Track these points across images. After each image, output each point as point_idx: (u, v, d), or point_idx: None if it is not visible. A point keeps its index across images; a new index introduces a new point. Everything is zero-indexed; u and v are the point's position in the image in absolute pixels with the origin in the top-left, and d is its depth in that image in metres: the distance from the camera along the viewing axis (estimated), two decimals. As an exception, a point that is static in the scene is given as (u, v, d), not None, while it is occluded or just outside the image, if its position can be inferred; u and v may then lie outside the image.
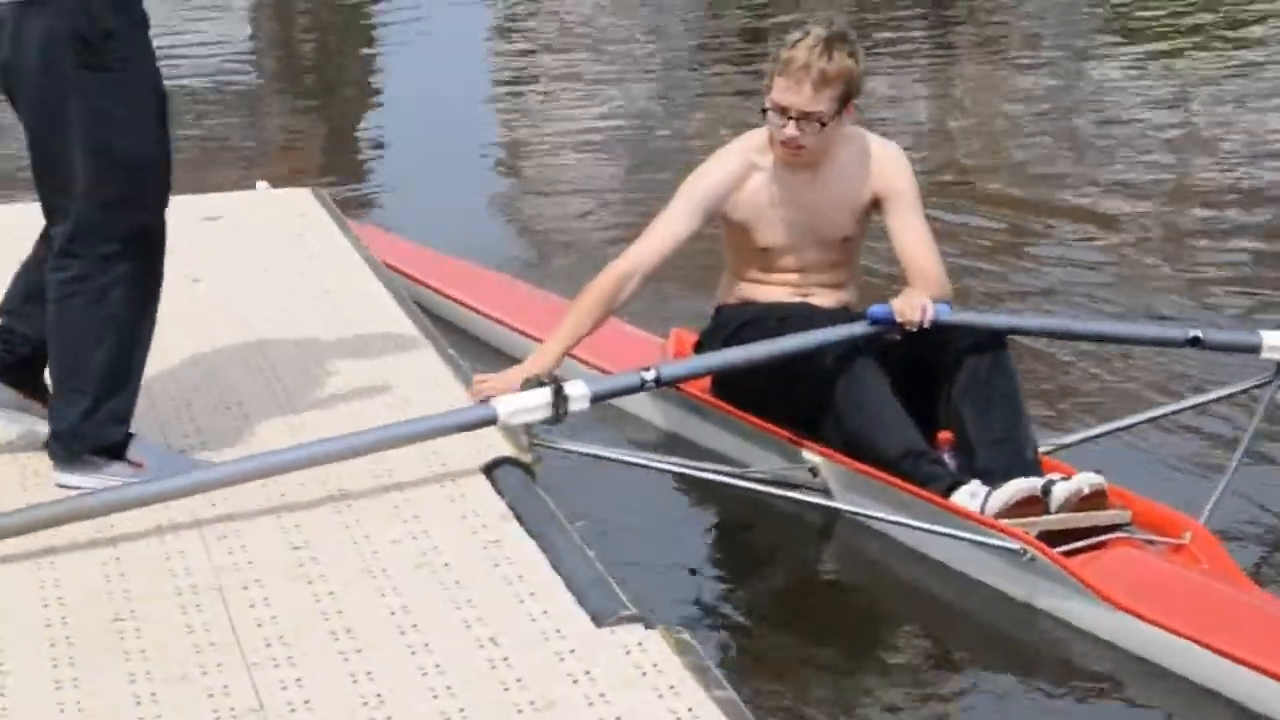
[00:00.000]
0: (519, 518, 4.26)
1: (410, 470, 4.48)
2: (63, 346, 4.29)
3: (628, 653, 3.51)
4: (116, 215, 4.18)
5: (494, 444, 4.64)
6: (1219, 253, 7.76)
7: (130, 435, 4.36)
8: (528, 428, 4.64)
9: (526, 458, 4.67)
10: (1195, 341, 5.08)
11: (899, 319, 4.88)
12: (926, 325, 4.87)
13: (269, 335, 5.52)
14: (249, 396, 4.98)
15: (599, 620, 3.65)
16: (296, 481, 4.37)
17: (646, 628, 3.60)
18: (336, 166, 10.00)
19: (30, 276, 4.48)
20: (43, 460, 4.42)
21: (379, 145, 10.92)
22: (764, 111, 5.12)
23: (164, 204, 4.29)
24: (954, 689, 4.24)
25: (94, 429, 4.30)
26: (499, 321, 6.30)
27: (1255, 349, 5.01)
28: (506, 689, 3.37)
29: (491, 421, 4.56)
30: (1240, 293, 7.11)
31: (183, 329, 5.13)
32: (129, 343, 4.29)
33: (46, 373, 4.47)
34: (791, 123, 5.02)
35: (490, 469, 4.55)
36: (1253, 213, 8.30)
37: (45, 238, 4.43)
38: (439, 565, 3.96)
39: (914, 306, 4.88)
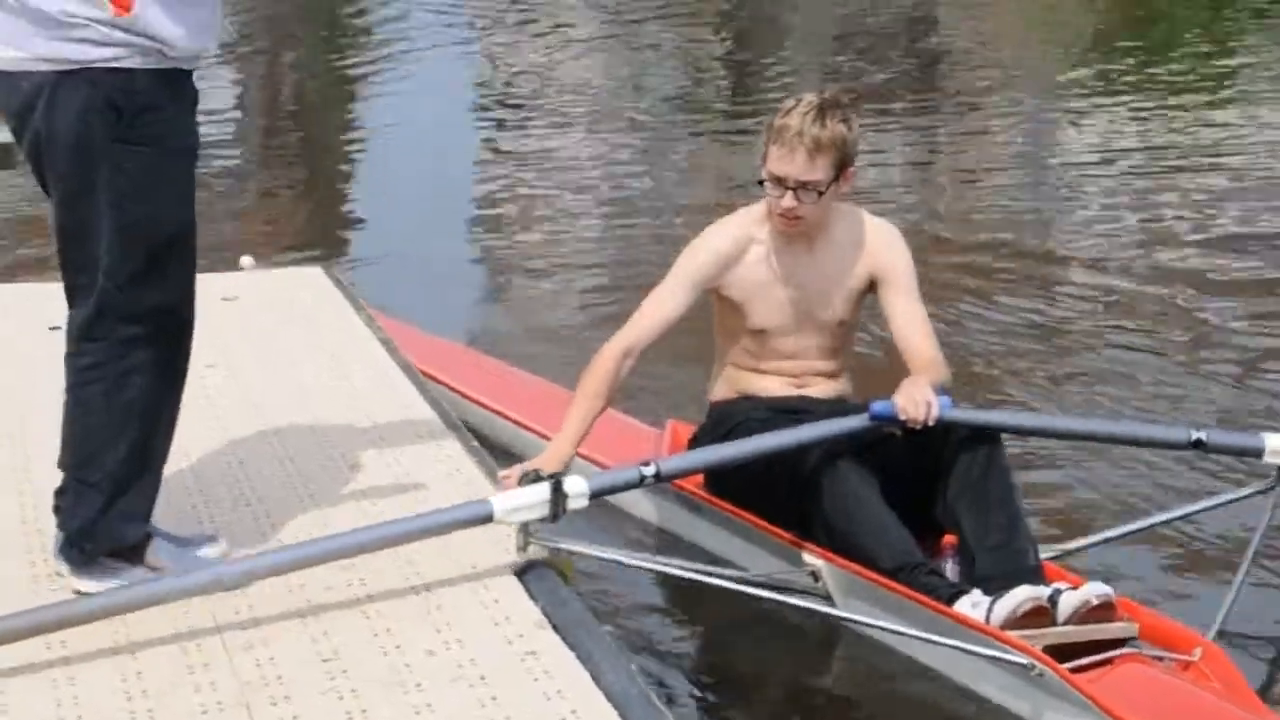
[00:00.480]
0: (555, 626, 4.19)
1: (439, 570, 4.44)
2: (77, 437, 4.18)
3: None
4: (140, 295, 4.11)
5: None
6: (1222, 349, 7.64)
7: (149, 535, 4.26)
8: (524, 525, 4.57)
9: (561, 564, 4.60)
10: (1198, 444, 5.03)
11: (902, 415, 4.82)
12: (931, 423, 4.80)
13: (287, 424, 5.44)
14: (269, 490, 4.90)
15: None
16: (323, 585, 4.31)
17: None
18: (321, 240, 9.96)
19: None
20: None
21: (362, 217, 10.82)
22: (760, 183, 5.11)
23: (190, 284, 4.23)
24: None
25: (109, 528, 4.19)
26: (494, 411, 6.22)
27: (1259, 453, 4.98)
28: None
29: (488, 519, 4.48)
30: (1239, 388, 7.05)
31: (197, 417, 5.05)
32: (150, 433, 4.20)
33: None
34: (789, 193, 5.01)
35: (522, 572, 4.50)
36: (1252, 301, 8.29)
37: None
38: (475, 679, 3.90)
39: (918, 403, 4.81)
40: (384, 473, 5.14)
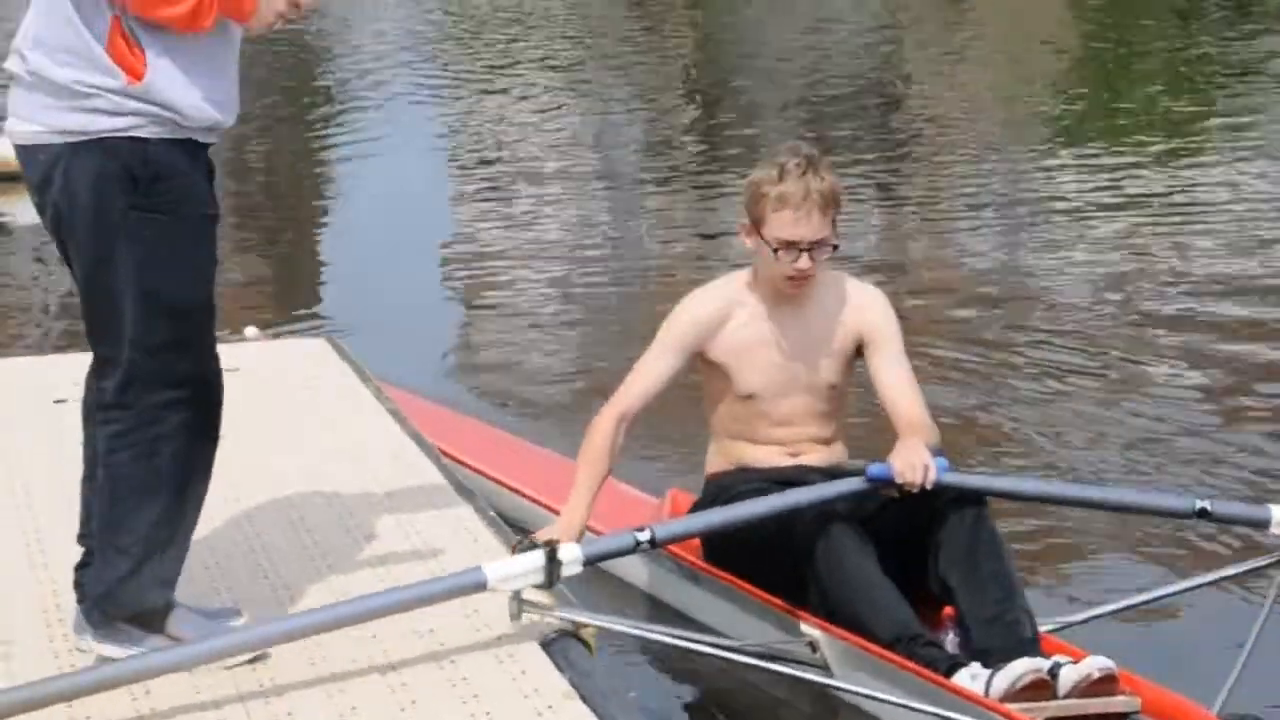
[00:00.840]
0: (583, 696, 4.18)
1: (462, 638, 4.45)
2: (106, 503, 4.15)
3: None
4: (168, 362, 4.10)
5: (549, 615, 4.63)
6: (1229, 418, 7.62)
7: (170, 604, 4.24)
8: (518, 594, 4.53)
9: (586, 633, 4.57)
10: (1203, 514, 5.01)
11: (899, 479, 4.80)
12: (929, 487, 4.78)
13: (301, 495, 5.42)
14: (286, 562, 4.90)
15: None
16: (348, 658, 4.32)
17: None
18: (301, 307, 9.97)
19: None
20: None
21: (341, 283, 10.78)
22: (775, 251, 5.04)
23: (214, 349, 4.24)
24: None
25: (134, 594, 4.16)
26: (496, 480, 6.20)
27: (1265, 524, 4.98)
28: None
29: (481, 587, 4.46)
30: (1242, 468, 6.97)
31: (213, 488, 4.93)
32: (179, 501, 4.18)
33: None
34: (804, 255, 5.02)
35: (548, 644, 4.47)
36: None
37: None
38: None
39: (915, 466, 4.79)
40: (402, 542, 5.14)
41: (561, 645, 4.46)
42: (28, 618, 4.59)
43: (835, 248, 5.10)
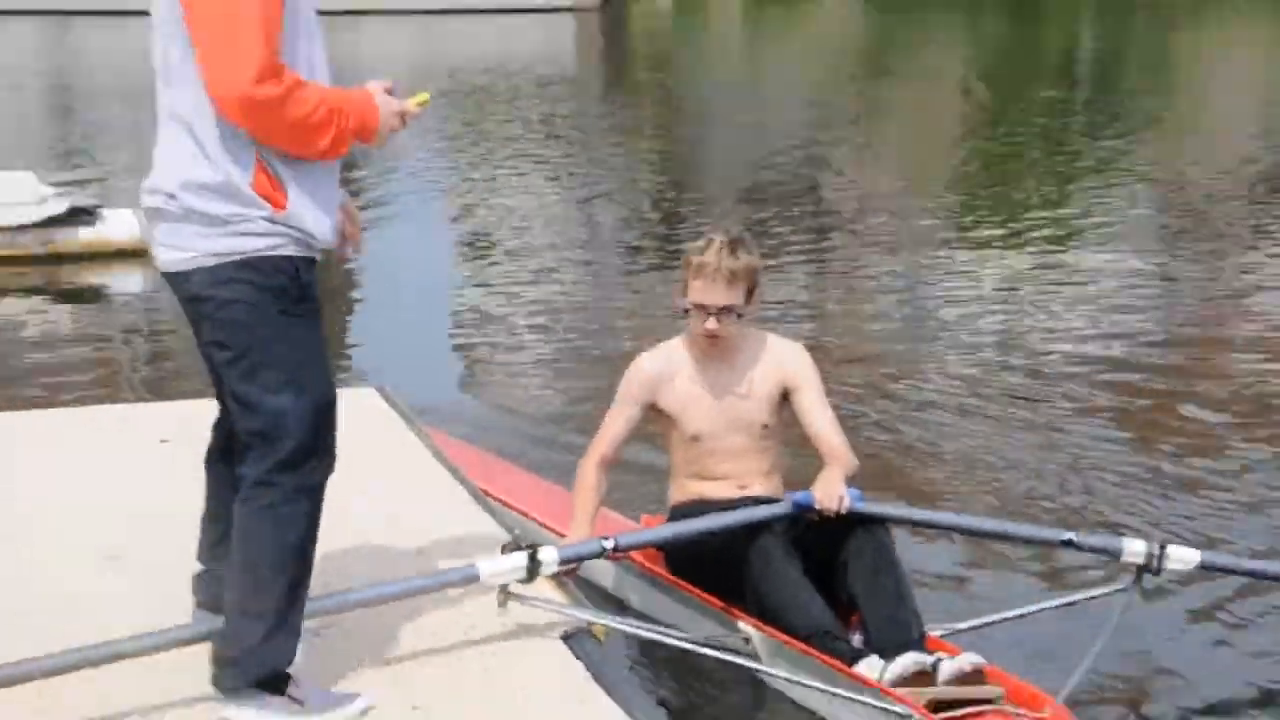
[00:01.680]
0: (595, 678, 4.39)
1: (492, 624, 4.69)
2: (246, 571, 4.11)
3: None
4: (313, 449, 4.11)
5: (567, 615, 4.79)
6: (1091, 457, 7.75)
7: (289, 672, 4.19)
8: (504, 587, 4.71)
9: (597, 629, 4.80)
10: (1068, 543, 5.20)
11: (819, 505, 5.02)
12: (844, 512, 5.00)
13: (371, 545, 5.37)
14: (333, 559, 4.82)
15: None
16: (396, 632, 4.61)
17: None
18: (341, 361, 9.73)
19: (218, 526, 4.34)
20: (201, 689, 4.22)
21: (361, 342, 10.68)
22: (685, 312, 5.28)
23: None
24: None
25: (269, 655, 4.12)
26: (520, 511, 6.22)
27: (1118, 554, 5.13)
28: None
29: (475, 580, 4.65)
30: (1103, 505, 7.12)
31: None
32: (304, 572, 4.18)
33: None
34: (711, 318, 5.20)
35: (568, 637, 4.68)
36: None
37: (216, 462, 4.38)
38: None
39: (832, 496, 5.00)
40: (432, 547, 5.32)
41: (578, 640, 4.70)
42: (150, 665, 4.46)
43: (740, 315, 5.23)
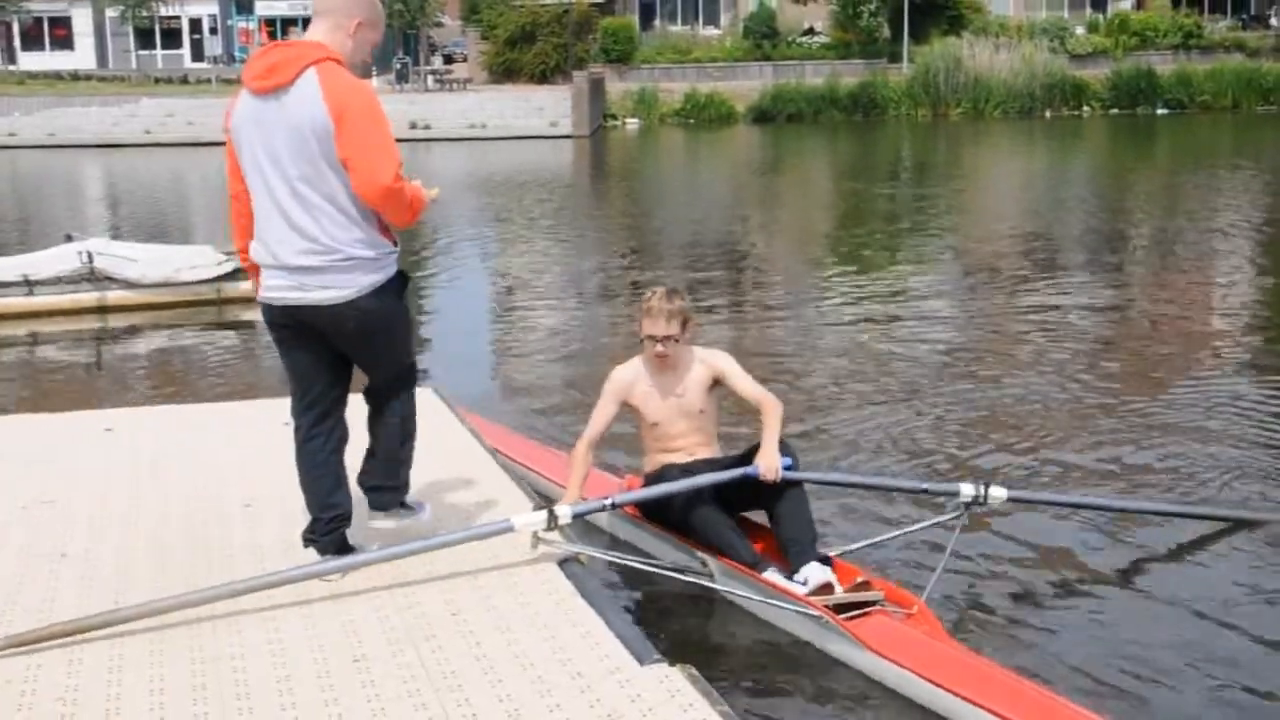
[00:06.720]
0: (582, 593, 4.27)
1: (512, 555, 4.57)
2: (389, 457, 4.42)
3: (660, 682, 3.52)
4: (410, 375, 4.43)
5: (558, 549, 4.61)
6: (934, 423, 7.46)
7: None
8: (535, 534, 4.61)
9: (583, 558, 4.63)
10: (925, 491, 5.17)
11: (761, 476, 4.85)
12: (778, 480, 4.85)
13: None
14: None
15: (641, 660, 3.65)
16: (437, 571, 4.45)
17: (670, 665, 3.61)
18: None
19: (331, 472, 4.43)
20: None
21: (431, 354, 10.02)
22: (642, 340, 5.11)
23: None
24: (773, 693, 4.25)
25: (407, 485, 4.54)
26: (539, 473, 6.14)
27: (955, 495, 5.01)
28: (591, 706, 3.38)
29: (510, 530, 4.53)
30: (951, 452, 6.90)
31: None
32: (413, 448, 4.51)
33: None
34: (658, 344, 5.05)
35: (562, 562, 4.56)
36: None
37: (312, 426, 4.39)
38: (541, 626, 4.00)
39: (771, 469, 4.83)
40: (477, 508, 5.17)
41: (568, 566, 4.56)
42: (270, 542, 4.62)
43: (678, 340, 5.07)
